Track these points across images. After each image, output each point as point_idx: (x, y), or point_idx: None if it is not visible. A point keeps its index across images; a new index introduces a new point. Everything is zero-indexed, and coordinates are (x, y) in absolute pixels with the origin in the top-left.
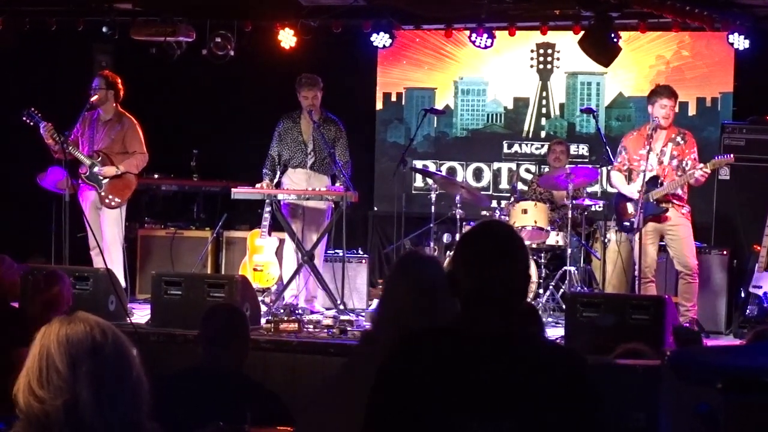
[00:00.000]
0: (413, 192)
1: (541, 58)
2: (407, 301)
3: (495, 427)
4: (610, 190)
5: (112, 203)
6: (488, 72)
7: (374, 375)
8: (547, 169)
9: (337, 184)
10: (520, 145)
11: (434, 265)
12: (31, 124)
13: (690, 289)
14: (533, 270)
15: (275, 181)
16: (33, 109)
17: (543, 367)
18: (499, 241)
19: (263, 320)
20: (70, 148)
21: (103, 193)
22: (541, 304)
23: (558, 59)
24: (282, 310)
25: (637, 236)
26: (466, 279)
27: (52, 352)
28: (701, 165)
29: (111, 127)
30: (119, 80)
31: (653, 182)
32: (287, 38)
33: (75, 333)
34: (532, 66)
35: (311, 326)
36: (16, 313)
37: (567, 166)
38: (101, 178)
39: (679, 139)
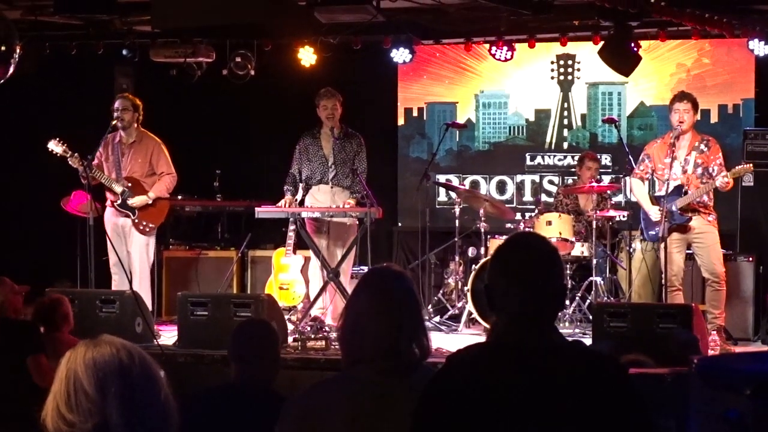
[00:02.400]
0: (437, 206)
1: (562, 69)
2: (369, 308)
3: None
4: (634, 199)
5: (147, 229)
6: (509, 84)
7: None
8: (570, 181)
9: (350, 200)
10: (542, 157)
11: (399, 277)
12: (59, 155)
13: (718, 296)
14: None
15: (297, 198)
16: (59, 139)
17: (589, 378)
18: (537, 253)
19: (290, 339)
20: (100, 175)
21: (137, 221)
22: (567, 315)
23: (578, 70)
24: (309, 327)
25: (662, 245)
26: (505, 292)
27: (79, 376)
28: (724, 173)
29: (136, 150)
30: (140, 102)
31: (677, 191)
32: (307, 56)
33: (101, 356)
34: (552, 77)
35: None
36: (26, 324)
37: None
38: (133, 208)
39: (702, 146)
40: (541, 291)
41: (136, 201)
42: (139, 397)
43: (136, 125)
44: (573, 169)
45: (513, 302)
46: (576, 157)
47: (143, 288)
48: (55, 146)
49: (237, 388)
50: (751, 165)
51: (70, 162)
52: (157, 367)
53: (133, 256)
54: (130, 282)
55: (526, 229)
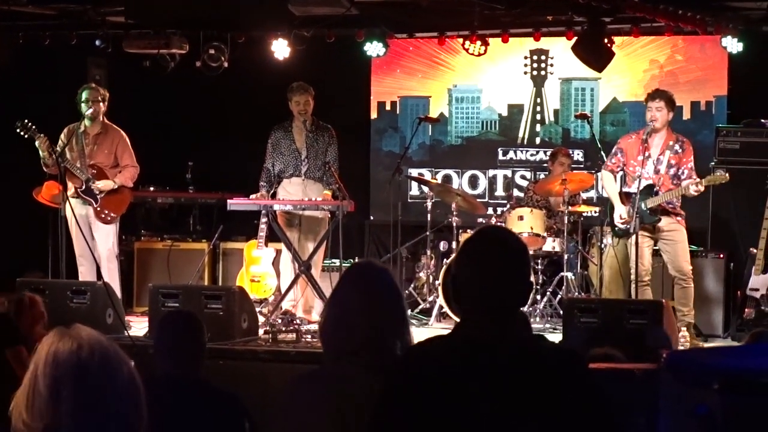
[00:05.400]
0: (409, 200)
1: (535, 65)
2: (354, 303)
3: None
4: (605, 195)
5: (108, 218)
6: (482, 79)
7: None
8: (542, 176)
9: (326, 192)
10: (515, 152)
11: (384, 274)
12: (26, 136)
13: (686, 293)
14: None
15: (271, 192)
16: (27, 121)
17: (549, 371)
18: (502, 246)
19: (261, 331)
20: (65, 161)
21: (99, 208)
22: (538, 310)
23: (552, 65)
24: (279, 320)
25: (633, 240)
26: (469, 285)
27: (38, 374)
28: (697, 180)
29: (102, 141)
30: (107, 93)
31: (648, 190)
32: (280, 49)
33: (62, 352)
34: (525, 72)
35: (309, 336)
36: (2, 316)
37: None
38: (97, 193)
39: (677, 147)
40: (505, 285)
41: (101, 184)
42: (93, 401)
43: (101, 116)
44: (545, 165)
45: (477, 295)
46: (548, 153)
47: (111, 277)
48: (24, 127)
49: (163, 379)
50: (728, 175)
51: (37, 144)
52: (121, 365)
53: (98, 245)
54: (99, 272)
55: (497, 223)
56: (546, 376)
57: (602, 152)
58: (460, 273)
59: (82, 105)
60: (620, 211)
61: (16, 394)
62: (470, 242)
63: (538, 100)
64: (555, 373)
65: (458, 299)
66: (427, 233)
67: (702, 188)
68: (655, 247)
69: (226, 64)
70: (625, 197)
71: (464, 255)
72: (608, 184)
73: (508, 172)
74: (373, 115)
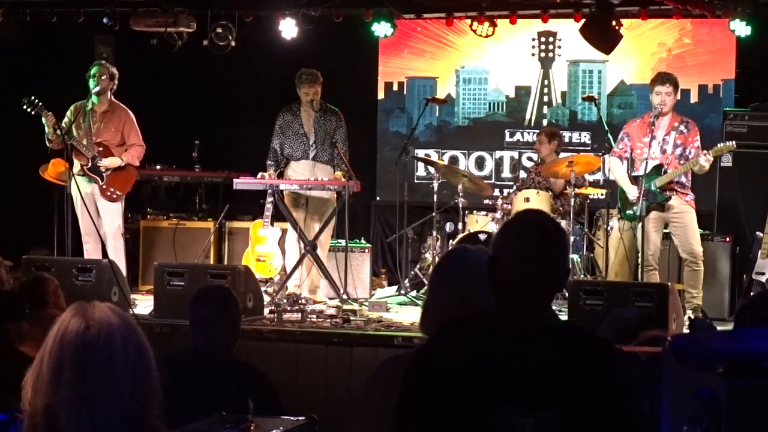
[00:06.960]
0: (415, 181)
1: (543, 47)
2: (437, 284)
3: (534, 418)
4: (612, 177)
5: (113, 196)
6: (489, 60)
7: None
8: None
9: (338, 173)
10: (522, 134)
11: (473, 255)
12: (32, 113)
13: (696, 276)
14: None
15: (278, 172)
16: (34, 97)
17: (580, 357)
18: (541, 232)
19: (266, 310)
20: (71, 138)
21: (104, 186)
22: None
23: (559, 47)
24: (285, 300)
25: (640, 224)
26: (505, 269)
27: (45, 352)
28: (704, 151)
29: (109, 119)
30: (116, 72)
31: (656, 170)
32: (288, 28)
33: (70, 332)
34: (533, 54)
35: (314, 316)
36: (9, 293)
37: (570, 154)
38: (103, 170)
39: (682, 127)
40: (538, 269)
41: (107, 162)
42: (93, 386)
43: (109, 94)
44: None
45: (511, 278)
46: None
47: (116, 255)
48: (31, 104)
49: (195, 355)
50: (734, 143)
51: (44, 120)
52: (128, 348)
53: (103, 223)
54: (104, 249)
55: (504, 206)
56: (574, 364)
57: (609, 134)
58: (496, 255)
59: (91, 81)
60: (631, 191)
61: (31, 367)
62: (507, 225)
63: (546, 82)
64: (584, 363)
65: (493, 281)
66: (434, 214)
67: (711, 158)
68: (665, 230)
69: (233, 43)
70: (634, 180)
71: (500, 239)
72: (616, 169)
73: (515, 154)
74: (381, 95)
